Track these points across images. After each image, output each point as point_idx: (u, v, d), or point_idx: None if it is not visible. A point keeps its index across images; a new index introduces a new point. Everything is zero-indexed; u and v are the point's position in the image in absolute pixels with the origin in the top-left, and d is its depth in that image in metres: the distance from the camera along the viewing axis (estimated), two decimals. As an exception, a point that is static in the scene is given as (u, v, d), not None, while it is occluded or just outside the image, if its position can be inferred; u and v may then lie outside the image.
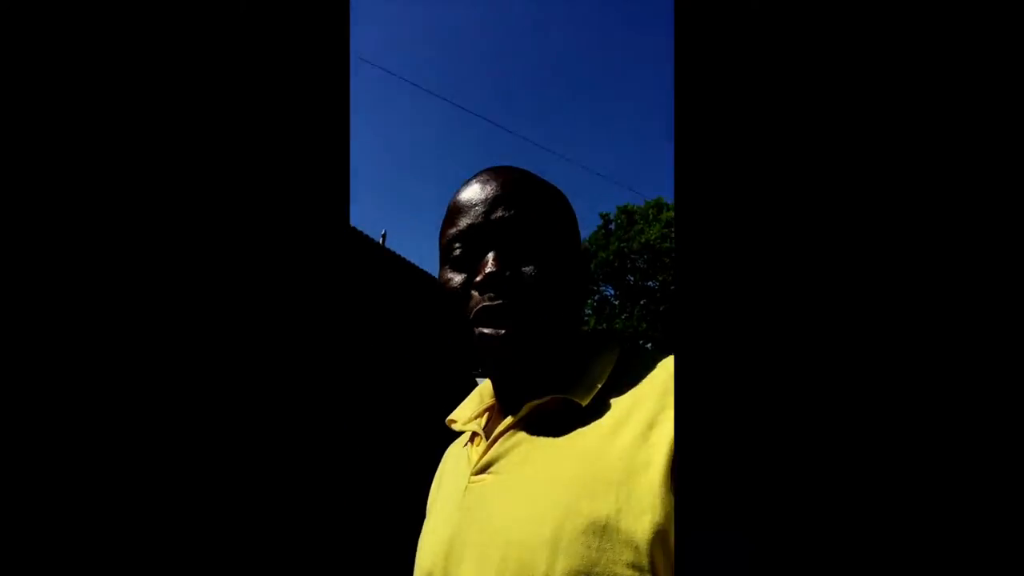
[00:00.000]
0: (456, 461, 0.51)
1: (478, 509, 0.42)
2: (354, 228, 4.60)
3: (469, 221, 0.45)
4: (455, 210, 0.46)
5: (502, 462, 0.43)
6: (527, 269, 0.43)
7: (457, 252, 0.45)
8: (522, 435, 0.43)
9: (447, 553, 0.43)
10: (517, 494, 0.40)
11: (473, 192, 0.46)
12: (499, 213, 0.44)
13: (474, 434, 0.49)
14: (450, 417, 0.53)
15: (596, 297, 14.88)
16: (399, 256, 5.14)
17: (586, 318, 14.67)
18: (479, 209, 0.45)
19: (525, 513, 0.38)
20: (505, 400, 0.47)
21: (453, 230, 0.46)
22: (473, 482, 0.44)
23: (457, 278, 0.45)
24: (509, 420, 0.44)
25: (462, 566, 0.41)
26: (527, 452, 0.41)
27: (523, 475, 0.40)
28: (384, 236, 5.48)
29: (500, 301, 0.42)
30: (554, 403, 0.42)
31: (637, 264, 14.14)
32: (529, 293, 0.42)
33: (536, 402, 0.42)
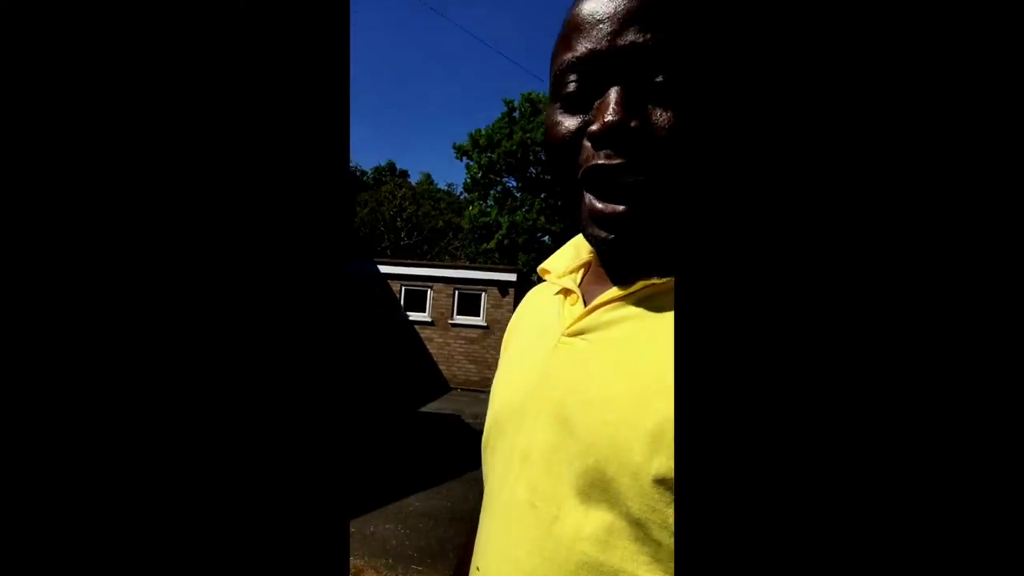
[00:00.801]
0: (544, 310, 0.45)
1: (567, 371, 0.38)
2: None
3: (589, 45, 0.35)
4: (573, 27, 0.36)
5: (602, 332, 0.37)
6: (660, 119, 0.33)
7: (571, 87, 0.36)
8: (630, 310, 0.36)
9: (523, 405, 0.40)
10: (618, 372, 0.34)
11: (599, 3, 0.35)
12: (631, 37, 0.33)
13: (568, 290, 0.42)
14: (543, 266, 0.46)
15: (499, 188, 15.60)
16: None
17: (488, 209, 15.21)
18: (604, 29, 0.34)
19: (625, 394, 0.33)
20: (612, 268, 0.40)
21: (567, 55, 0.36)
22: (565, 343, 0.39)
23: (568, 122, 0.36)
24: (616, 292, 0.37)
25: (538, 423, 0.38)
26: (634, 331, 0.36)
27: (627, 354, 0.35)
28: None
29: (620, 161, 0.33)
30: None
31: (540, 156, 14.05)
32: (659, 153, 0.33)
33: (654, 283, 0.35)
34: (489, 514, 0.42)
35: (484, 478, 0.45)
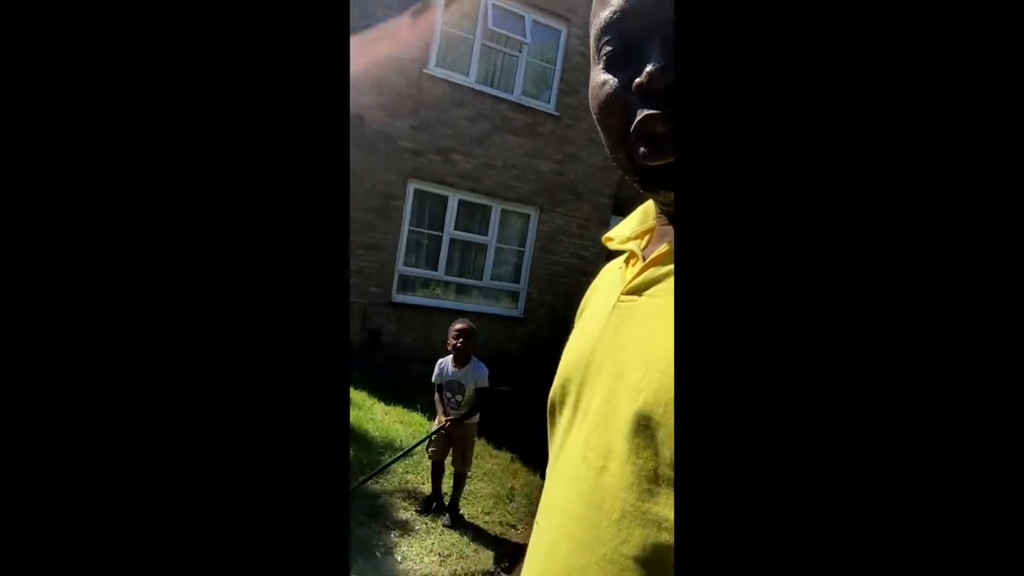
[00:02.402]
0: (611, 277, 0.47)
1: (625, 327, 0.38)
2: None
3: (622, 3, 0.35)
4: None
5: (659, 287, 0.37)
6: None
7: (610, 46, 0.36)
8: None
9: (587, 364, 0.41)
10: (669, 321, 0.33)
11: None
12: None
13: (632, 254, 0.43)
14: (607, 234, 0.46)
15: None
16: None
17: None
18: None
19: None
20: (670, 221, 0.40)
21: (604, 13, 0.36)
22: (623, 301, 0.40)
23: (611, 80, 0.36)
24: (667, 246, 0.38)
25: (598, 381, 0.39)
26: None
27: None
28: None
29: (662, 112, 0.33)
30: None
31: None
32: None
33: None
34: (550, 472, 0.43)
35: (549, 439, 0.46)
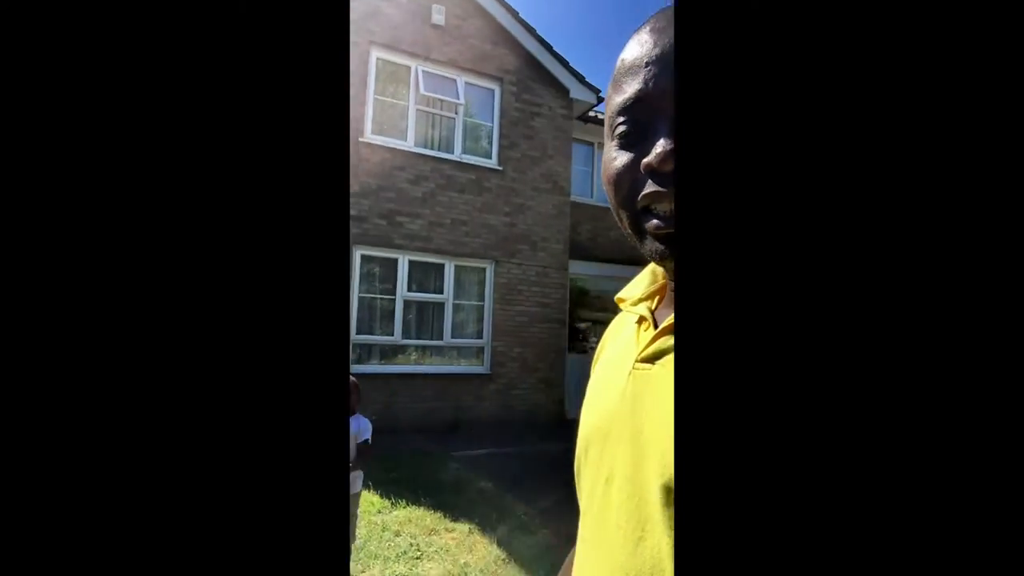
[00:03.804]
0: (624, 336, 0.47)
1: (643, 397, 0.39)
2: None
3: (636, 87, 0.37)
4: (621, 72, 0.38)
5: (671, 357, 0.38)
6: None
7: (624, 127, 0.38)
8: None
9: (607, 431, 0.41)
10: None
11: (640, 47, 0.37)
12: (672, 77, 0.35)
13: (643, 317, 0.44)
14: (619, 295, 0.48)
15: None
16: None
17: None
18: (648, 72, 0.36)
19: None
20: None
21: (618, 99, 0.38)
22: (638, 369, 0.40)
23: (623, 158, 0.38)
24: None
25: (619, 448, 0.39)
26: None
27: None
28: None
29: (669, 189, 0.35)
30: None
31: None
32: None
33: None
34: (582, 537, 0.44)
35: (579, 499, 0.46)
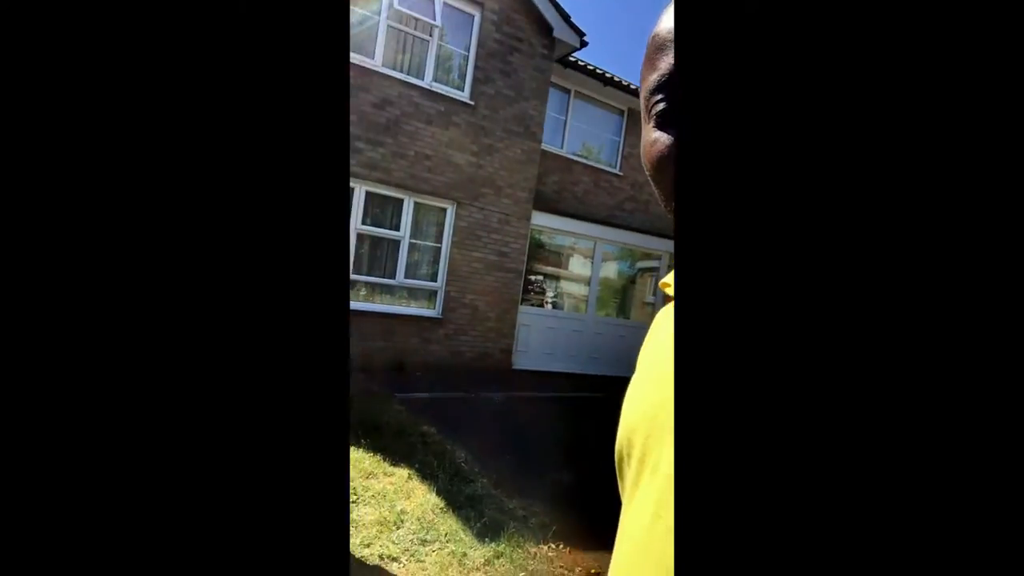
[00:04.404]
0: (670, 325, 0.45)
1: None
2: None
3: (670, 62, 0.35)
4: (654, 48, 0.36)
5: None
6: None
7: (660, 105, 0.36)
8: None
9: (653, 418, 0.40)
10: None
11: (672, 21, 0.35)
12: None
13: None
14: (663, 280, 0.46)
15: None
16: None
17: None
18: None
19: None
20: None
21: (653, 76, 0.36)
22: None
23: (662, 138, 0.36)
24: None
25: (664, 437, 0.38)
26: None
27: None
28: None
29: None
30: None
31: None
32: None
33: None
34: (621, 529, 0.44)
35: (620, 491, 0.46)
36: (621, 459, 0.44)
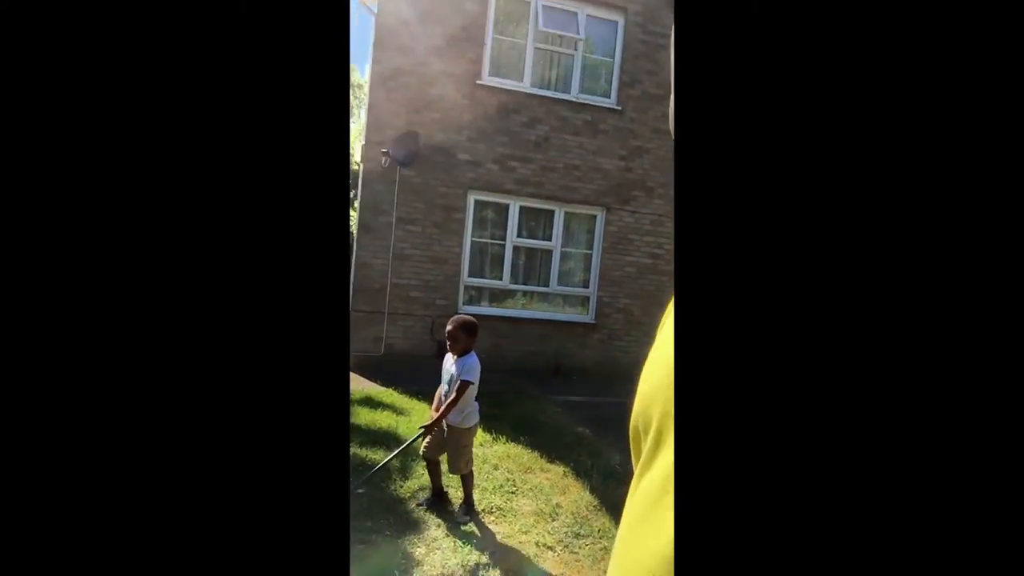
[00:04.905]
0: None
1: None
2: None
3: None
4: None
5: None
6: None
7: None
8: None
9: (666, 387, 0.41)
10: None
11: None
12: None
13: None
14: None
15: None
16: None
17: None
18: None
19: None
20: None
21: None
22: None
23: None
24: None
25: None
26: None
27: None
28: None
29: None
30: None
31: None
32: None
33: None
34: (630, 497, 0.43)
35: (633, 464, 0.46)
36: (637, 433, 0.45)
